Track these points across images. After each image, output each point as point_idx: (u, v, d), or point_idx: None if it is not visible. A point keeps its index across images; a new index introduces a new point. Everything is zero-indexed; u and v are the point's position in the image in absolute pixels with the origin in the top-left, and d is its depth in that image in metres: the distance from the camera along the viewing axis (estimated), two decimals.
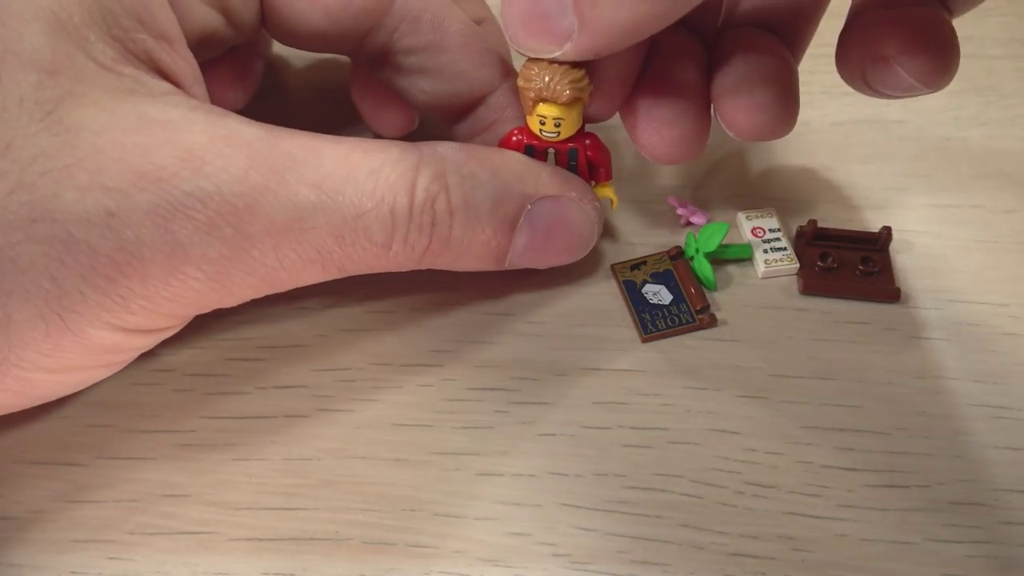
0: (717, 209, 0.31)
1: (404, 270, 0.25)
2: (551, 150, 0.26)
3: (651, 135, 0.26)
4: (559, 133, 0.25)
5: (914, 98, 0.26)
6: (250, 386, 0.26)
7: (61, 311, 0.20)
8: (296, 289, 0.28)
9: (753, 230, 0.29)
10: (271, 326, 0.28)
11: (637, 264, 0.29)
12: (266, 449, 0.25)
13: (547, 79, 0.23)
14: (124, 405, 0.26)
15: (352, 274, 0.24)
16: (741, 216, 0.30)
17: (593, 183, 0.27)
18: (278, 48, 0.37)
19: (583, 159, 0.26)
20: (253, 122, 0.22)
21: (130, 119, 0.21)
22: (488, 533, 0.24)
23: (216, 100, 0.32)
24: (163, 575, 0.23)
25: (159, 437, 0.25)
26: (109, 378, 0.26)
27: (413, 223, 0.23)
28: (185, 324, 0.24)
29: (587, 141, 0.26)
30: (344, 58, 0.30)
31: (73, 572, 0.23)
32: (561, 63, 0.23)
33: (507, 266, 0.26)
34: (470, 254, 0.25)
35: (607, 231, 0.30)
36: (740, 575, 0.23)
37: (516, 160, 0.25)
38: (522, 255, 0.26)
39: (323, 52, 0.28)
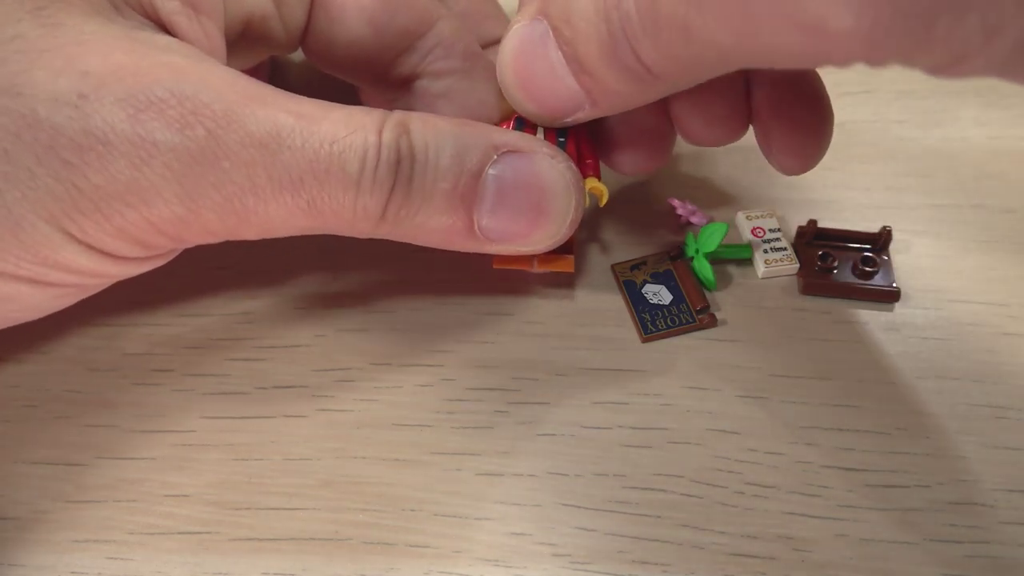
0: (717, 209, 0.31)
1: (371, 226, 0.24)
2: (540, 129, 0.26)
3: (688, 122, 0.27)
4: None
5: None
6: (250, 386, 0.26)
7: (3, 190, 0.20)
8: (296, 289, 0.28)
9: (753, 230, 0.29)
10: (271, 326, 0.28)
11: (637, 264, 0.29)
12: (266, 449, 0.25)
13: None
14: (124, 405, 0.26)
15: (324, 221, 0.23)
16: (741, 216, 0.30)
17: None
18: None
19: (572, 136, 0.26)
20: (242, 73, 0.23)
21: (119, 33, 0.21)
22: (488, 533, 0.24)
23: None
24: (163, 575, 0.23)
25: (159, 437, 0.25)
26: (109, 378, 0.26)
27: (381, 159, 0.22)
28: (141, 266, 0.23)
29: (577, 127, 0.26)
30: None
31: (73, 572, 0.23)
32: None
33: (478, 232, 0.24)
34: (435, 207, 0.23)
35: (607, 231, 0.30)
36: (740, 575, 0.23)
37: (483, 121, 0.25)
38: (491, 215, 0.24)
39: (352, 75, 0.28)
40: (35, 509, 0.24)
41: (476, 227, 0.24)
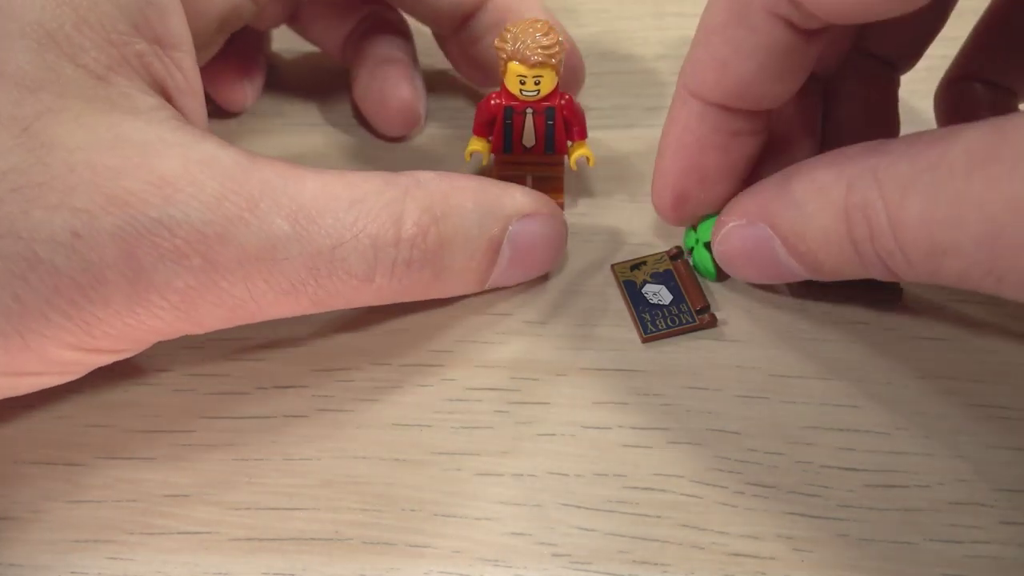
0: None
1: (387, 303, 0.24)
2: (529, 110, 0.27)
3: None
4: (538, 92, 0.26)
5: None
6: (250, 386, 0.26)
7: (23, 330, 0.20)
8: None
9: None
10: (271, 326, 0.28)
11: (637, 264, 0.29)
12: (266, 449, 0.25)
13: (520, 42, 0.25)
14: (124, 405, 0.26)
15: (330, 308, 0.24)
16: None
17: (569, 142, 0.28)
18: (277, 49, 0.37)
19: (560, 118, 0.27)
20: (232, 147, 0.22)
21: (106, 138, 0.20)
22: (488, 533, 0.23)
23: (226, 100, 0.32)
24: (163, 575, 0.23)
25: (159, 437, 0.25)
26: (109, 378, 0.26)
27: (400, 256, 0.23)
28: (149, 346, 0.24)
29: (562, 101, 0.27)
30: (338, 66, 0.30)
31: (73, 572, 0.23)
32: (548, 30, 0.26)
33: (487, 287, 0.27)
34: (458, 282, 0.25)
35: (607, 231, 0.30)
36: (740, 575, 0.23)
37: (491, 184, 0.26)
38: (502, 275, 0.26)
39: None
40: (35, 509, 0.24)
41: (488, 283, 0.26)
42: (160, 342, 0.23)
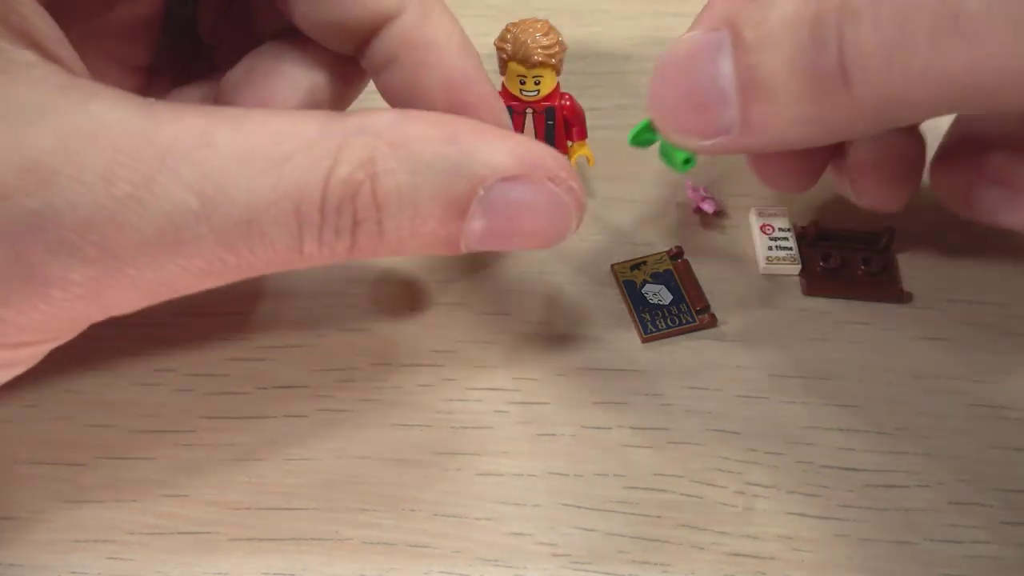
0: (731, 204, 0.31)
1: (333, 264, 0.21)
2: (529, 110, 0.27)
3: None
4: (538, 91, 0.26)
5: None
6: (250, 386, 0.26)
7: None
8: (296, 289, 0.28)
9: (762, 226, 0.29)
10: (271, 326, 0.28)
11: (637, 264, 0.29)
12: (266, 449, 0.25)
13: (520, 42, 0.25)
14: (124, 405, 0.26)
15: (262, 274, 0.21)
16: (753, 211, 0.30)
17: (569, 142, 0.28)
18: None
19: (560, 117, 0.28)
20: (129, 103, 0.18)
21: None
22: (488, 533, 0.24)
23: (108, 58, 0.26)
24: (163, 575, 0.23)
25: (159, 437, 0.25)
26: (109, 378, 0.26)
27: (327, 223, 0.19)
28: (79, 332, 0.21)
29: (563, 101, 0.27)
30: None
31: (73, 572, 0.23)
32: (548, 30, 0.25)
33: (464, 251, 0.21)
34: (411, 245, 0.21)
35: (607, 231, 0.30)
36: (740, 575, 0.23)
37: (469, 131, 0.20)
38: (480, 241, 0.21)
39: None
40: (35, 509, 0.24)
41: (463, 248, 0.21)
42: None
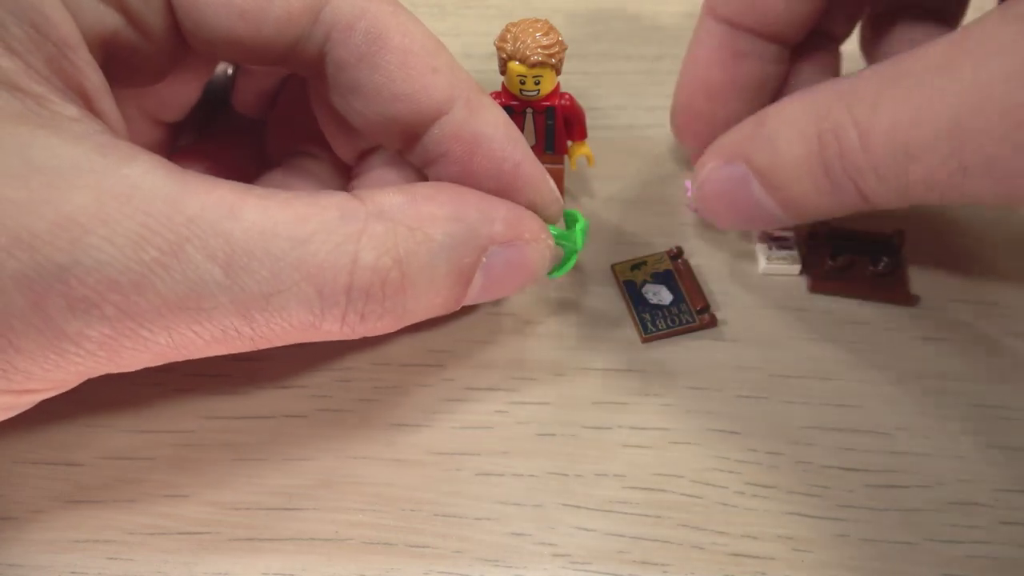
0: None
1: (345, 339, 0.22)
2: (529, 110, 0.27)
3: None
4: (538, 91, 0.26)
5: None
6: (250, 386, 0.26)
7: None
8: None
9: None
10: None
11: (637, 264, 0.29)
12: (266, 449, 0.25)
13: (520, 42, 0.25)
14: (124, 405, 0.26)
15: (273, 345, 0.21)
16: None
17: (569, 142, 0.29)
18: None
19: (560, 117, 0.28)
20: (164, 169, 0.19)
21: (13, 165, 0.18)
22: (488, 533, 0.23)
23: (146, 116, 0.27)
24: (163, 575, 0.23)
25: (159, 437, 0.25)
26: (109, 378, 0.26)
27: (352, 306, 0.21)
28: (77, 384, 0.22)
29: (563, 100, 0.27)
30: None
31: (73, 572, 0.23)
32: (548, 30, 0.26)
33: (456, 308, 0.24)
34: (421, 314, 0.23)
35: (607, 231, 0.30)
36: (740, 575, 0.23)
37: (472, 203, 0.23)
38: (477, 298, 0.24)
39: (254, 64, 0.24)
40: (35, 509, 0.24)
41: (457, 307, 0.24)
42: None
